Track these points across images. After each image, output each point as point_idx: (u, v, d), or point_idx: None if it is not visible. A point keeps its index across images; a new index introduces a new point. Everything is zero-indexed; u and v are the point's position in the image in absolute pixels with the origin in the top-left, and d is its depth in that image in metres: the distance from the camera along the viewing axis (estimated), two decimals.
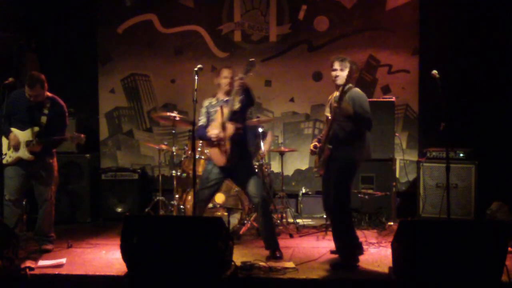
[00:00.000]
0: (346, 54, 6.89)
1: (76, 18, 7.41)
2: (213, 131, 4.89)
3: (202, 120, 5.10)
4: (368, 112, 4.59)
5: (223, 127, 4.85)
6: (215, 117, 4.96)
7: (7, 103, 5.16)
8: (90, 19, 7.47)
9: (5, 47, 6.53)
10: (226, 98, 4.99)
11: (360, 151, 4.66)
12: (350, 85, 4.67)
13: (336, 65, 4.67)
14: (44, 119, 5.11)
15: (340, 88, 4.54)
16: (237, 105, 4.88)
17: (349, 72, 4.60)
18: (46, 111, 5.12)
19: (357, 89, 4.70)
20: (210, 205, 5.77)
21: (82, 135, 5.21)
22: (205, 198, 5.02)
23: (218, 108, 4.93)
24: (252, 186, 4.90)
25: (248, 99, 4.86)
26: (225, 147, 4.86)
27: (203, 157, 6.05)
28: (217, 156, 4.93)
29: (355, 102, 4.53)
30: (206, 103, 5.11)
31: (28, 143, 5.04)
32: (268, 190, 6.33)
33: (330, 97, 4.88)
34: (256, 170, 6.01)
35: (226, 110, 4.87)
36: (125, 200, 6.85)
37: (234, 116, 4.86)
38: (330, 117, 4.67)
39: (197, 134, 5.08)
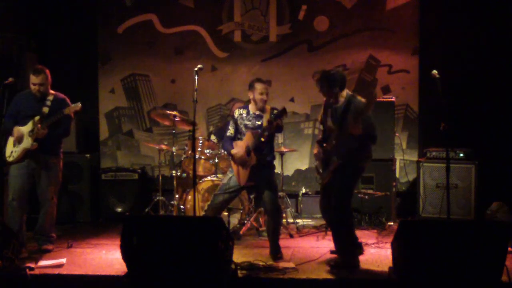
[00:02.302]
0: (346, 54, 7.03)
1: (76, 18, 7.41)
2: (237, 152, 4.90)
3: (230, 131, 5.06)
4: (374, 126, 4.53)
5: (247, 152, 4.85)
6: (244, 136, 4.95)
7: (14, 101, 5.24)
8: (90, 19, 7.47)
9: (5, 47, 6.53)
10: (258, 113, 4.98)
11: (365, 159, 4.66)
12: (350, 93, 4.65)
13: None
14: (45, 109, 5.15)
15: (341, 102, 4.55)
16: (265, 135, 4.85)
17: (334, 90, 4.60)
18: (48, 103, 5.18)
19: (359, 99, 4.60)
20: None
21: (77, 104, 5.13)
22: (222, 202, 5.02)
23: (248, 133, 4.90)
24: (268, 194, 4.92)
25: (278, 131, 4.92)
26: (245, 171, 4.88)
27: (203, 157, 6.06)
28: (237, 174, 4.96)
29: (363, 119, 4.41)
30: (236, 113, 5.07)
31: (30, 133, 5.07)
32: None
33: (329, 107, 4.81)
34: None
35: (252, 138, 4.83)
36: (125, 200, 6.85)
37: (260, 145, 4.86)
38: (333, 129, 4.62)
39: (223, 145, 5.14)
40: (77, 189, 6.75)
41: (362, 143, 4.55)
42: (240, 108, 5.12)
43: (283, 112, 4.67)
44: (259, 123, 4.95)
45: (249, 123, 4.98)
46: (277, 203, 4.98)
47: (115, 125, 7.59)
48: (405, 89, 7.06)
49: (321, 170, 4.79)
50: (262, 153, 4.89)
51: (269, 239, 5.04)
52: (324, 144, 4.76)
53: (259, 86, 4.94)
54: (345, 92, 4.66)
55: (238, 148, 4.92)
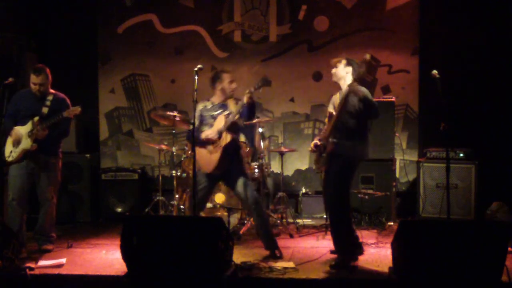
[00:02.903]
0: (346, 54, 6.92)
1: (76, 18, 7.42)
2: (208, 133, 4.90)
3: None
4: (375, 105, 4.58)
5: (219, 135, 4.85)
6: (213, 122, 4.94)
7: (14, 101, 5.24)
8: (90, 19, 7.47)
9: (5, 47, 6.53)
10: (222, 103, 4.98)
11: (361, 149, 4.66)
12: (355, 82, 4.67)
13: (334, 65, 4.75)
14: (45, 109, 5.15)
15: (347, 86, 4.56)
16: (237, 116, 4.87)
17: (347, 70, 4.65)
18: (47, 103, 5.18)
19: (359, 86, 4.67)
20: (210, 205, 5.78)
21: (76, 108, 5.10)
22: (198, 201, 4.94)
23: (220, 116, 4.90)
24: (242, 188, 4.89)
25: (250, 114, 4.88)
26: (214, 155, 4.86)
27: None
28: (205, 162, 4.92)
29: (363, 92, 4.51)
30: (200, 106, 5.06)
31: (30, 133, 5.07)
32: (269, 190, 6.33)
33: (333, 97, 4.87)
34: (256, 171, 6.03)
35: (224, 119, 4.85)
36: (125, 200, 6.85)
37: (232, 127, 4.87)
38: (334, 113, 4.66)
39: (187, 137, 5.07)
40: (77, 189, 6.75)
41: (360, 129, 4.58)
42: (202, 101, 5.09)
43: (266, 80, 4.75)
44: (227, 112, 4.94)
45: (216, 113, 4.97)
46: (253, 194, 4.91)
47: (115, 125, 7.59)
48: (405, 89, 7.06)
49: (317, 161, 4.81)
50: (234, 133, 4.88)
51: (260, 235, 5.02)
52: (321, 135, 4.80)
53: (227, 75, 4.97)
54: (351, 82, 4.68)
55: (207, 131, 4.91)
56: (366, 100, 4.47)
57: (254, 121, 6.19)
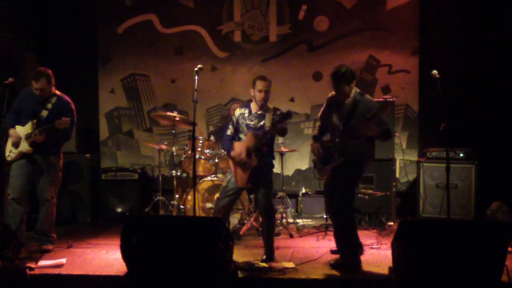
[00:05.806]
0: (346, 54, 7.04)
1: (76, 18, 7.42)
2: (237, 154, 4.81)
3: (230, 130, 4.97)
4: (385, 121, 4.55)
5: (248, 154, 4.77)
6: (244, 136, 4.87)
7: (19, 98, 5.25)
8: (90, 19, 7.48)
9: (5, 47, 6.53)
10: (260, 112, 4.89)
11: (368, 156, 4.67)
12: (357, 90, 4.64)
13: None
14: (44, 113, 5.14)
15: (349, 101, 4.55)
16: (267, 138, 4.82)
17: (346, 80, 4.58)
18: (49, 106, 5.16)
19: (368, 97, 4.63)
20: (210, 205, 5.80)
21: (65, 120, 5.00)
22: (224, 205, 4.92)
23: (249, 134, 4.82)
24: (263, 193, 4.86)
25: (282, 134, 4.86)
26: (244, 173, 4.81)
27: (203, 157, 6.06)
28: (237, 176, 4.87)
29: (376, 115, 4.39)
30: (237, 112, 4.96)
31: (27, 136, 5.07)
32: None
33: (330, 95, 4.80)
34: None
35: (254, 140, 4.76)
36: (125, 200, 6.85)
37: (261, 147, 4.82)
38: (338, 126, 4.61)
39: (222, 145, 5.05)
40: (77, 189, 6.75)
41: (368, 142, 4.56)
42: (241, 107, 5.01)
43: (288, 115, 4.59)
44: (262, 123, 4.85)
45: (251, 123, 4.88)
46: (271, 202, 4.92)
47: (115, 125, 7.59)
48: (405, 89, 7.06)
49: (319, 166, 4.79)
50: (263, 154, 4.83)
51: (263, 240, 5.01)
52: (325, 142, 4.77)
53: (259, 83, 4.82)
54: (354, 90, 4.64)
55: (238, 150, 4.83)
56: (381, 136, 4.42)
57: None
